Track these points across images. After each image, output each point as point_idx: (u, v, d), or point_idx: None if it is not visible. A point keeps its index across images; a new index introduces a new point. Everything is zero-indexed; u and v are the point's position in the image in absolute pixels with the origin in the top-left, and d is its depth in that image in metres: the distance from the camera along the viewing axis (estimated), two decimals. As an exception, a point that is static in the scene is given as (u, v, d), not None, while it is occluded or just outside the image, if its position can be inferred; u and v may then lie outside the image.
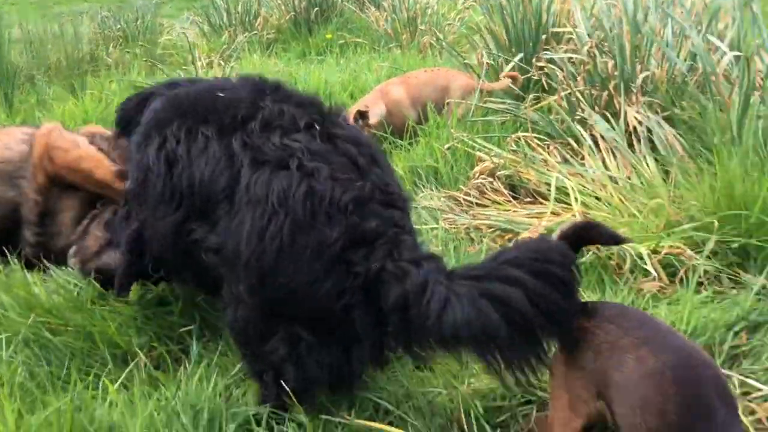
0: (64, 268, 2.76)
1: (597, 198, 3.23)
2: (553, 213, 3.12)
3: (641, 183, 3.25)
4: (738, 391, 2.15)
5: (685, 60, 3.74)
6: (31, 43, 7.44)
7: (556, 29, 4.66)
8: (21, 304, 2.59)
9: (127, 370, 2.34)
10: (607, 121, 3.64)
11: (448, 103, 4.39)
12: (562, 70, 4.15)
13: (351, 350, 1.93)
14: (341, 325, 1.89)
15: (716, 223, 2.72)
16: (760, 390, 2.15)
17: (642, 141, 3.45)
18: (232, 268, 1.97)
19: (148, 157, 2.15)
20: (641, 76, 3.71)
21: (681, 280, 2.67)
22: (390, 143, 4.35)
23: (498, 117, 4.18)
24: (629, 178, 3.30)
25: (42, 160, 2.66)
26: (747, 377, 2.20)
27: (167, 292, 2.71)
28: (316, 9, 8.63)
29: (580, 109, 3.81)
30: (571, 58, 4.16)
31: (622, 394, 1.76)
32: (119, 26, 8.89)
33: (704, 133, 3.33)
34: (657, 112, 3.60)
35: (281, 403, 2.09)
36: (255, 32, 8.52)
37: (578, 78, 3.99)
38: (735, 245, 2.72)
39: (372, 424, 2.11)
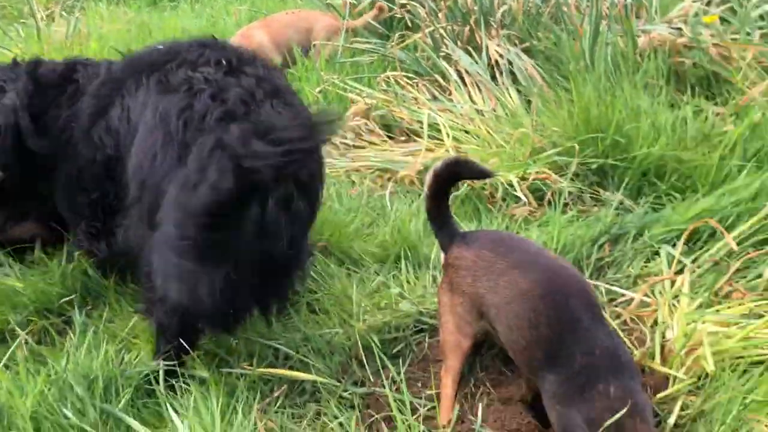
0: None
1: (466, 132, 3.36)
2: (427, 149, 3.21)
3: (506, 114, 3.41)
4: (605, 298, 2.38)
5: (539, -8, 3.90)
6: None
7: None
8: None
9: (11, 350, 2.21)
10: (470, 55, 3.76)
11: (314, 45, 4.34)
12: (423, 6, 4.20)
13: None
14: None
15: (577, 147, 2.92)
16: (623, 295, 2.38)
17: (504, 73, 3.61)
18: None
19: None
20: (500, 11, 3.84)
21: (549, 202, 2.87)
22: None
23: (366, 57, 4.20)
24: (494, 110, 3.45)
25: None
26: (612, 285, 2.43)
27: (43, 263, 2.59)
28: (163, -49, 8.13)
29: (444, 45, 3.90)
30: (432, -6, 4.22)
31: (500, 314, 1.92)
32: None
33: (560, 62, 3.53)
34: (516, 44, 3.76)
35: (184, 348, 2.09)
36: (98, -22, 7.90)
37: (439, 14, 4.07)
38: (594, 166, 2.94)
39: (273, 371, 2.15)
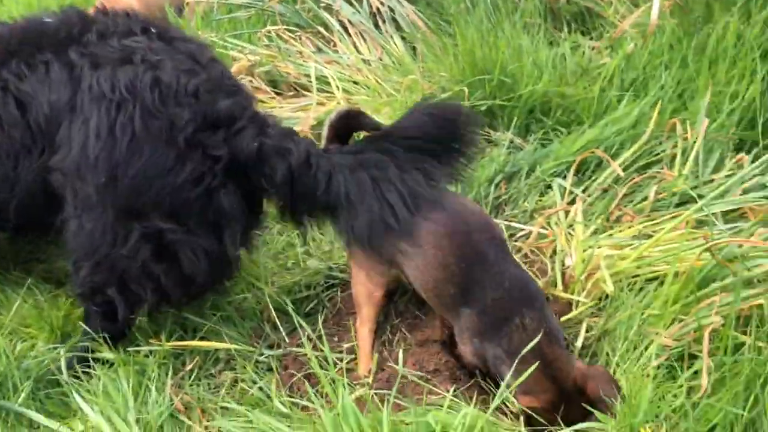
0: None
1: (355, 83, 3.32)
2: (318, 103, 3.15)
3: (393, 62, 3.39)
4: (506, 234, 2.44)
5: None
6: None
7: None
8: None
9: None
10: (351, 4, 3.69)
11: (187, 4, 4.12)
12: (299, -44, 4.07)
13: (222, 236, 1.94)
14: (207, 212, 1.91)
15: (466, 90, 2.94)
16: (522, 230, 2.46)
17: (387, 21, 3.58)
18: (77, 174, 1.87)
19: None
20: (377, -44, 3.78)
21: (443, 146, 2.89)
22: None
23: (243, 12, 4.03)
24: (381, 60, 3.43)
25: None
26: (510, 221, 2.50)
27: None
28: None
29: (324, -4, 3.80)
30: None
31: (411, 259, 1.94)
32: None
33: (441, 6, 3.53)
34: (396, -9, 3.72)
35: (116, 330, 2.03)
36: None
37: (316, -37, 3.95)
38: (484, 108, 2.98)
39: (183, 343, 2.08)
